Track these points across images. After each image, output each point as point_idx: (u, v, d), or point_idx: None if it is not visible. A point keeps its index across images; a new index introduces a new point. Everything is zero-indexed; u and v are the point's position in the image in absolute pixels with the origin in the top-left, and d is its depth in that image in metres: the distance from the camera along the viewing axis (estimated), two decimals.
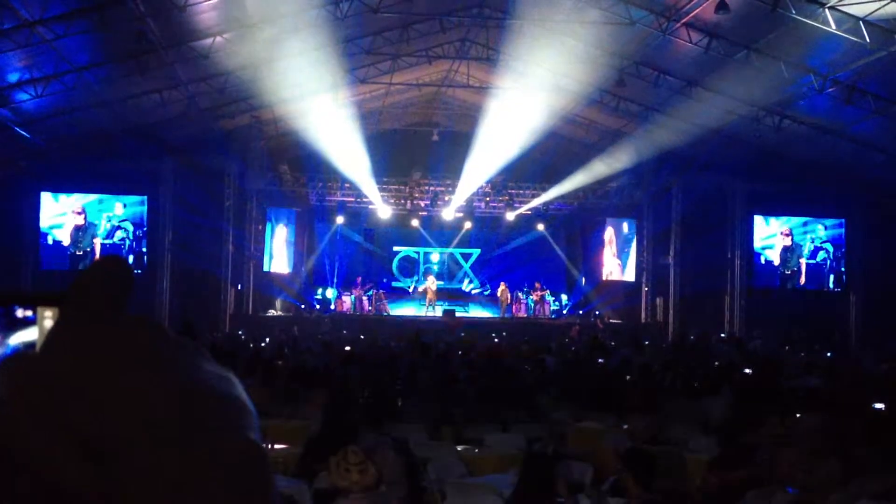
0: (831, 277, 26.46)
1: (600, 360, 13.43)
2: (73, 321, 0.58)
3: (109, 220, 24.57)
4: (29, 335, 0.61)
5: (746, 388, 9.68)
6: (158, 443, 0.51)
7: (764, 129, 21.55)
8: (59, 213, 24.42)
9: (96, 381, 0.52)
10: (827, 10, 14.81)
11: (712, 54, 18.02)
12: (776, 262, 26.51)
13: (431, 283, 29.33)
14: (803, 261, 26.50)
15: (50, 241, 24.34)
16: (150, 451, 0.51)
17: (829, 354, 17.98)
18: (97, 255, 23.81)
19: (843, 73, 17.54)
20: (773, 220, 26.56)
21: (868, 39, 15.06)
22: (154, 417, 0.50)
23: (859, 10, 14.64)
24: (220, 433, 0.52)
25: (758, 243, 26.49)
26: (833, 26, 14.95)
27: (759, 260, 26.49)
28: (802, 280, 26.48)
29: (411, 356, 14.68)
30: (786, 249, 26.42)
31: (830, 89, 18.21)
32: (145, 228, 24.94)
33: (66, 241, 24.32)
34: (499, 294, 29.64)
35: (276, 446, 7.80)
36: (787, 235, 26.44)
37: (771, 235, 26.55)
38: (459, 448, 7.77)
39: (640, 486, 5.09)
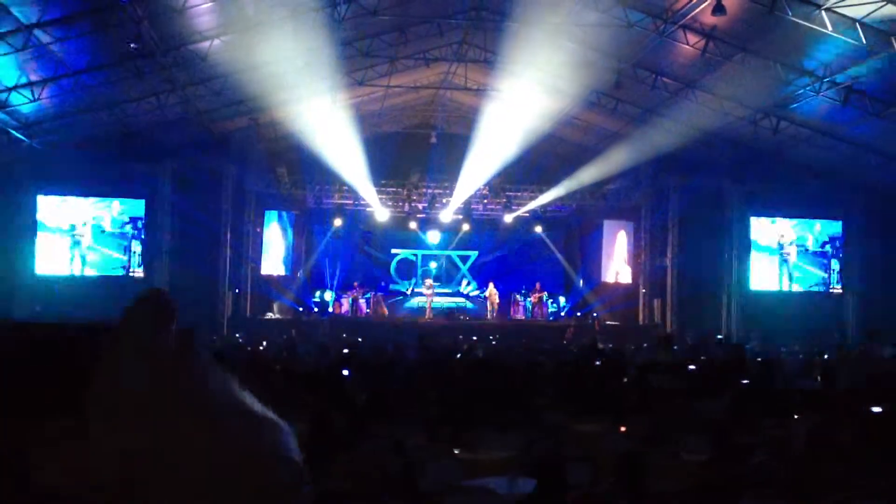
0: (828, 278, 26.50)
1: (597, 363, 13.42)
2: (126, 354, 0.60)
3: (104, 223, 24.56)
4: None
5: (743, 390, 9.68)
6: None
7: (761, 131, 21.59)
8: (56, 216, 24.42)
9: (153, 429, 0.53)
10: (823, 12, 14.83)
11: (709, 56, 18.05)
12: (774, 263, 26.55)
13: (429, 286, 29.32)
14: (800, 262, 26.54)
15: (47, 244, 24.33)
16: None
17: (826, 356, 17.98)
18: (89, 257, 23.92)
19: (840, 75, 17.57)
20: (770, 221, 26.59)
21: (865, 41, 15.09)
22: (215, 477, 0.51)
23: (856, 12, 14.67)
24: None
25: (755, 245, 26.51)
26: (829, 28, 14.98)
27: (757, 261, 26.50)
28: (800, 281, 26.52)
29: (412, 359, 14.69)
30: (783, 251, 26.46)
31: (827, 91, 18.24)
32: (143, 232, 24.93)
33: (65, 244, 24.31)
34: (486, 295, 29.60)
35: None
36: (785, 237, 26.48)
37: (768, 236, 26.57)
38: (457, 451, 7.77)
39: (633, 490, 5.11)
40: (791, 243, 26.50)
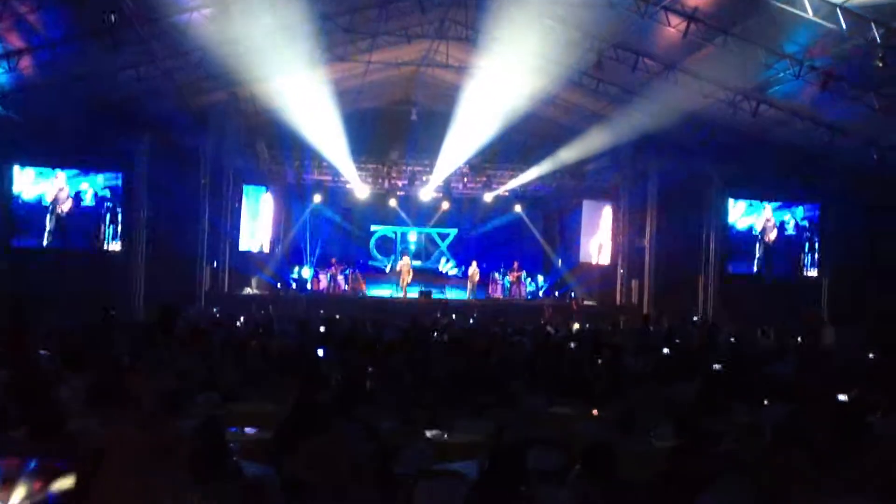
0: (805, 262, 26.65)
1: (572, 345, 13.49)
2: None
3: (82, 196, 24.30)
4: None
5: (715, 375, 9.76)
6: None
7: (741, 114, 21.62)
8: (33, 188, 24.13)
9: None
10: None
11: (691, 38, 18.01)
12: (751, 246, 26.66)
13: (406, 264, 29.27)
14: (778, 245, 26.66)
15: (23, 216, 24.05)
16: None
17: (799, 339, 18.15)
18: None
19: (819, 60, 17.59)
20: (748, 204, 26.67)
21: (844, 26, 15.09)
22: None
23: None
24: None
25: (734, 227, 26.60)
26: (810, 13, 14.96)
27: (735, 244, 26.60)
28: (776, 264, 26.65)
29: (390, 338, 14.70)
30: (760, 233, 26.59)
31: (807, 75, 18.26)
32: (120, 205, 24.69)
33: (42, 217, 24.03)
34: (469, 273, 29.61)
35: (247, 430, 7.79)
36: (762, 219, 26.59)
37: (746, 219, 26.67)
38: (429, 434, 7.79)
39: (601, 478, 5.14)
40: (770, 226, 26.60)
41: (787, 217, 26.76)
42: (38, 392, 7.01)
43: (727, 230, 26.39)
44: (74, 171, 24.33)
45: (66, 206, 24.16)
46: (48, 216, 24.05)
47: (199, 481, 5.16)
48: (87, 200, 24.42)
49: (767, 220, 26.61)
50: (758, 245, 26.62)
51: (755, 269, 26.57)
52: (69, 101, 21.12)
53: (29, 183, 24.14)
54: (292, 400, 7.48)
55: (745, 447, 6.27)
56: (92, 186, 24.40)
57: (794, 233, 26.74)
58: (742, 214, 26.68)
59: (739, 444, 6.45)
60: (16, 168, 23.96)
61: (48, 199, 24.02)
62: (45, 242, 23.96)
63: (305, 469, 5.60)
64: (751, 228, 26.68)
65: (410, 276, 28.94)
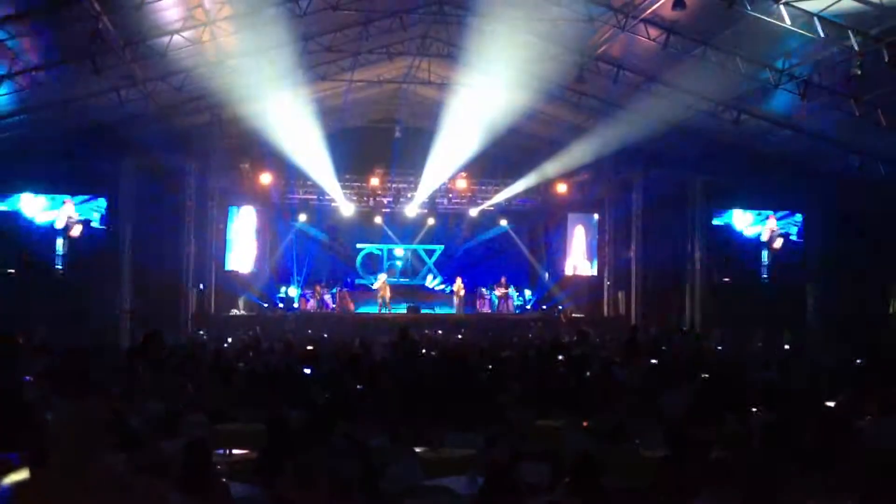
0: (789, 270, 26.67)
1: (560, 357, 13.48)
2: None
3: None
4: None
5: (703, 384, 9.77)
6: None
7: (723, 124, 21.75)
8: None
9: None
10: (782, 6, 14.93)
11: (670, 50, 18.14)
12: (736, 255, 26.71)
13: (383, 281, 29.15)
14: (763, 254, 26.74)
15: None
16: None
17: (787, 347, 18.20)
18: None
19: (798, 68, 17.73)
20: (732, 213, 26.75)
21: (822, 35, 15.23)
22: None
23: (813, 6, 14.79)
24: None
25: (717, 237, 26.66)
26: (788, 22, 15.09)
27: (720, 253, 26.64)
28: (762, 273, 26.72)
29: (377, 356, 14.67)
30: (745, 243, 26.65)
31: (787, 84, 18.39)
32: (105, 228, 24.58)
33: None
34: (454, 289, 29.60)
35: (235, 451, 7.75)
36: (746, 229, 26.68)
37: (730, 229, 26.73)
38: (418, 449, 7.76)
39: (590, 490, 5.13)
40: (752, 235, 26.67)
41: (770, 225, 26.80)
42: (25, 417, 6.96)
43: (711, 239, 26.39)
44: (56, 195, 24.18)
45: (70, 230, 24.00)
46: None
47: (188, 501, 5.13)
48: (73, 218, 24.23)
49: (751, 229, 26.65)
50: (742, 253, 26.65)
51: (740, 277, 26.57)
52: (50, 126, 21.07)
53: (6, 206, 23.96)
54: (280, 420, 7.45)
55: (734, 455, 6.27)
56: (76, 210, 24.26)
57: (777, 240, 26.78)
58: (725, 223, 26.71)
59: (728, 452, 6.45)
60: None
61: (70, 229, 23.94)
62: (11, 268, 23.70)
63: (293, 488, 5.57)
64: (734, 237, 26.71)
65: (389, 293, 28.82)
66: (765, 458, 6.20)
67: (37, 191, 23.99)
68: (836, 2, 14.41)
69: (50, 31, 16.24)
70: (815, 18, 15.02)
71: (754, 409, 8.85)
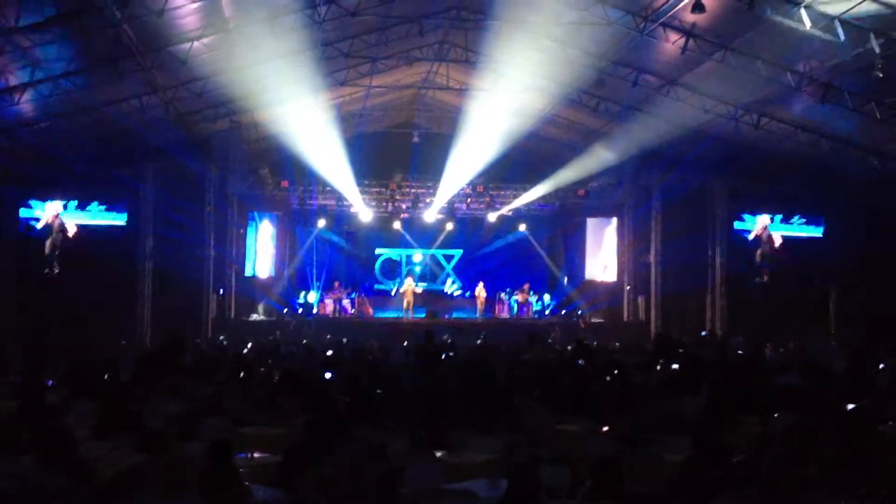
0: (811, 274, 26.45)
1: (580, 362, 13.45)
2: None
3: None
4: None
5: (723, 388, 9.71)
6: None
7: (743, 128, 21.66)
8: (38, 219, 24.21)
9: None
10: (802, 9, 14.86)
11: (690, 54, 18.09)
12: (756, 259, 26.51)
13: (410, 286, 29.21)
14: (783, 258, 26.50)
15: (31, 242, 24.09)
16: None
17: (808, 350, 18.08)
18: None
19: (819, 72, 17.63)
20: (753, 217, 26.59)
21: (843, 38, 15.14)
22: None
23: (834, 9, 14.70)
24: None
25: (738, 241, 26.51)
26: (808, 25, 15.01)
27: (740, 257, 26.47)
28: (782, 277, 26.47)
29: (397, 360, 14.70)
30: (766, 247, 26.45)
31: (807, 87, 18.30)
32: (126, 234, 24.76)
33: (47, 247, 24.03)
34: (476, 293, 29.58)
35: (256, 455, 7.78)
36: (767, 233, 26.48)
37: (751, 233, 26.57)
38: (439, 454, 7.77)
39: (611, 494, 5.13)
40: (773, 239, 26.45)
41: (791, 229, 26.58)
42: (46, 419, 7.03)
43: (732, 243, 26.27)
44: (79, 202, 24.36)
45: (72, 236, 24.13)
46: (52, 245, 24.00)
47: None
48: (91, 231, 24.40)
49: (772, 233, 26.42)
50: (763, 258, 26.41)
51: (761, 281, 26.35)
52: (72, 134, 21.26)
53: (35, 213, 24.21)
54: (300, 423, 7.48)
55: (755, 458, 6.25)
56: (98, 217, 24.45)
57: (798, 244, 26.56)
58: (746, 227, 26.52)
59: (749, 454, 6.42)
60: (22, 202, 24.09)
61: (55, 230, 24.04)
62: (54, 271, 23.92)
63: (314, 491, 5.60)
64: (755, 241, 26.52)
65: (414, 298, 28.87)
66: (786, 461, 6.17)
67: (58, 198, 24.15)
68: (856, 4, 14.32)
69: (72, 38, 16.35)
70: (836, 21, 14.94)
71: (775, 414, 8.81)
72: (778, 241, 25.71)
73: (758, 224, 25.90)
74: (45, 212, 23.85)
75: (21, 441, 6.20)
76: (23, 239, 23.95)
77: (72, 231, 23.62)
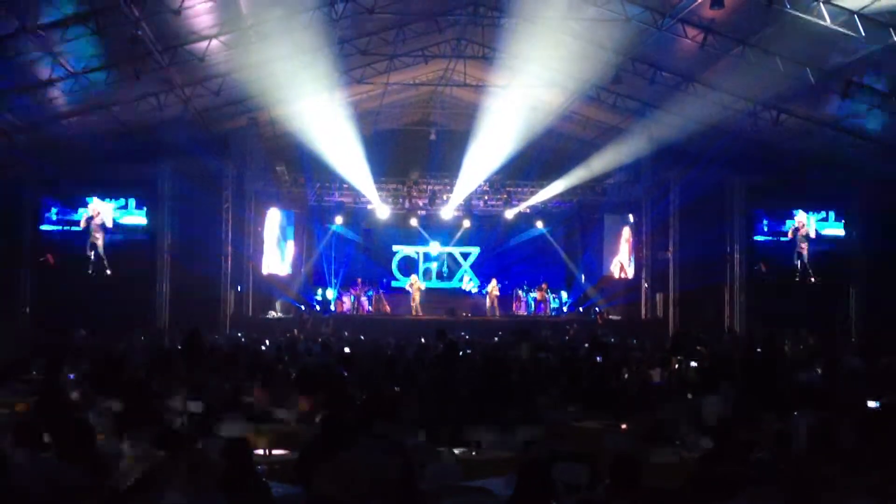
0: (831, 270, 26.27)
1: (598, 359, 13.41)
2: None
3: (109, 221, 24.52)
4: None
5: (745, 385, 9.67)
6: None
7: (761, 124, 21.54)
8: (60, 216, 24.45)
9: None
10: (822, 5, 14.78)
11: (708, 50, 18.00)
12: (776, 256, 26.37)
13: (415, 283, 29.12)
14: (804, 254, 26.33)
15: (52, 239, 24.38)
16: None
17: (829, 348, 17.94)
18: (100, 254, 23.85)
19: (838, 67, 17.51)
20: (772, 213, 26.44)
21: (863, 33, 15.03)
22: None
23: (853, 4, 14.62)
24: None
25: (757, 237, 26.37)
26: (828, 20, 14.92)
27: (759, 254, 26.32)
28: (802, 274, 26.32)
29: (413, 357, 14.68)
30: (785, 243, 26.30)
31: (827, 83, 18.18)
32: (144, 231, 24.91)
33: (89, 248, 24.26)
34: (488, 290, 29.46)
35: (275, 451, 7.79)
36: (787, 229, 26.33)
37: (770, 229, 26.43)
38: (457, 451, 7.75)
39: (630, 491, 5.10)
40: (793, 235, 26.30)
41: (810, 225, 26.38)
42: (67, 415, 7.07)
43: (751, 240, 26.13)
44: (98, 198, 24.53)
45: (98, 234, 24.30)
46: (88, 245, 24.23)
47: (229, 501, 5.17)
48: (111, 226, 24.58)
49: (791, 229, 26.28)
50: (782, 254, 26.29)
51: (780, 278, 26.19)
52: (91, 131, 21.38)
53: (54, 211, 24.44)
54: (318, 419, 7.48)
55: (776, 455, 6.21)
56: (116, 212, 24.61)
57: (818, 241, 26.36)
58: (765, 223, 26.39)
59: (770, 452, 6.38)
60: (41, 199, 24.31)
61: (81, 226, 24.28)
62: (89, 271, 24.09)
63: (332, 486, 5.60)
64: (774, 237, 26.40)
65: (419, 297, 28.76)
66: (807, 459, 6.13)
67: (77, 194, 24.36)
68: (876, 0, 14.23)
69: (90, 37, 16.44)
70: (855, 16, 14.84)
71: (796, 412, 8.75)
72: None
73: (796, 221, 25.88)
74: (87, 211, 24.13)
75: (42, 437, 6.23)
76: (42, 236, 24.19)
77: (99, 235, 23.94)
